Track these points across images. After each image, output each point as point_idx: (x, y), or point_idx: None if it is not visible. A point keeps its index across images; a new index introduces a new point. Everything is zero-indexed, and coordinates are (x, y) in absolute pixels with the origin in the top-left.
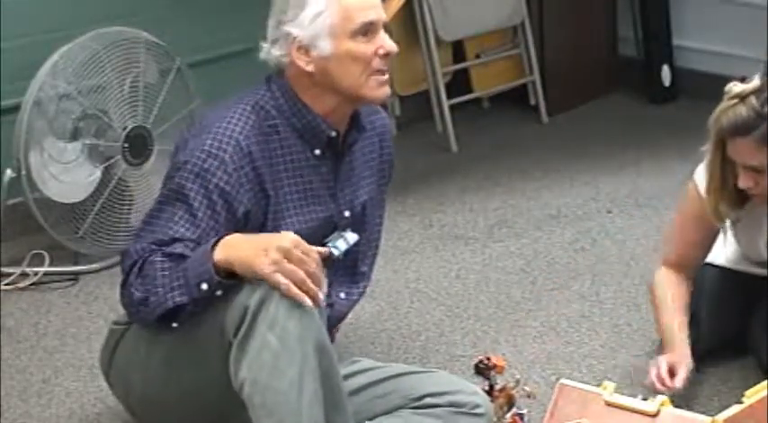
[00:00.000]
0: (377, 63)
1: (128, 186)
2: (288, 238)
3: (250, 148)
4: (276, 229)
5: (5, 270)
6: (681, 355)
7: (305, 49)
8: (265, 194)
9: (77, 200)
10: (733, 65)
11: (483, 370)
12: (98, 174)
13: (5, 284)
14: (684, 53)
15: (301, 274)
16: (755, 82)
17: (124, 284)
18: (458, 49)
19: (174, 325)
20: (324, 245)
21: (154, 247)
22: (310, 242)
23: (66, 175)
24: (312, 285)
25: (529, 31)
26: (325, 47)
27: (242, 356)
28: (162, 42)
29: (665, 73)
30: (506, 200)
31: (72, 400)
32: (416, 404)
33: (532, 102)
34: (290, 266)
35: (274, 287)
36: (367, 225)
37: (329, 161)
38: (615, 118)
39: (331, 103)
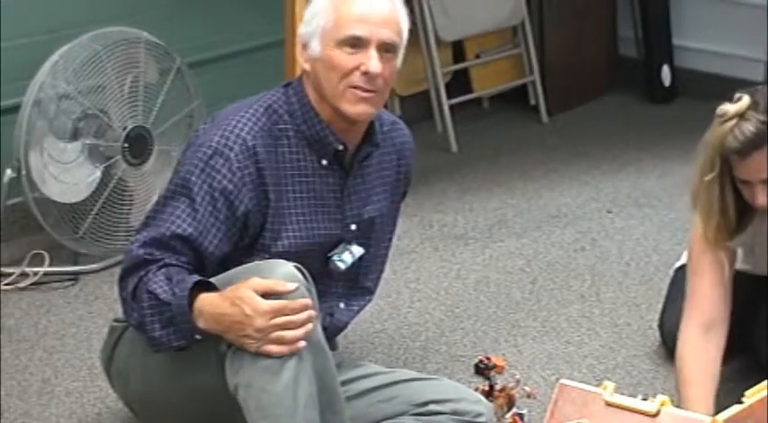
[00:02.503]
0: (356, 78)
1: (128, 186)
2: (260, 313)
3: (256, 149)
4: (276, 235)
5: (5, 270)
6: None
7: (303, 46)
8: (266, 197)
9: (77, 200)
10: (733, 65)
11: (483, 370)
12: (98, 174)
13: (5, 284)
14: (684, 53)
15: (289, 335)
16: (746, 99)
17: (120, 283)
18: (458, 49)
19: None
20: (329, 258)
21: (147, 257)
22: (315, 253)
23: (66, 175)
24: (302, 331)
25: (529, 31)
26: (315, 48)
27: (237, 359)
28: (162, 42)
29: (665, 73)
30: (506, 200)
31: (72, 400)
32: (419, 410)
33: (532, 102)
34: (275, 335)
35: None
36: (373, 240)
37: (337, 173)
38: (615, 118)
39: (329, 112)
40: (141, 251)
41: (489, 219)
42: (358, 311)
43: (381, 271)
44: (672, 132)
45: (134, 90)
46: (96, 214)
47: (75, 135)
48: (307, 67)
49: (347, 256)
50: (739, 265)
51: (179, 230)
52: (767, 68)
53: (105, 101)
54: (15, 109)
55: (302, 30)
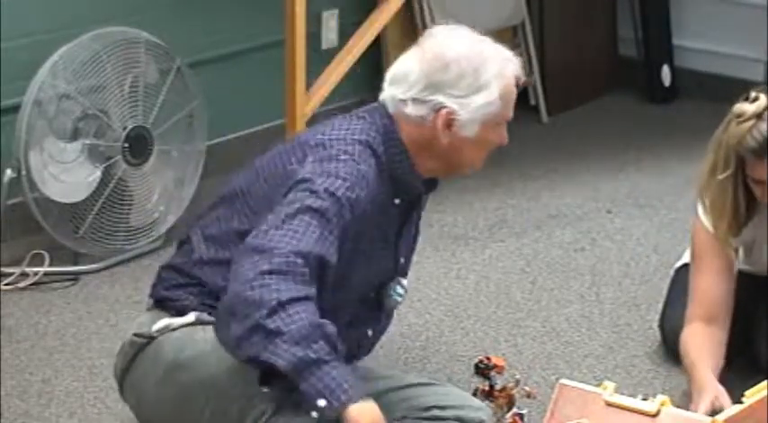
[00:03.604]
0: (491, 149)
1: (128, 186)
2: None
3: (375, 195)
4: (345, 276)
5: (5, 270)
6: (715, 390)
7: (448, 123)
8: (345, 239)
9: (77, 200)
10: (733, 65)
11: (483, 370)
12: (98, 174)
13: (5, 284)
14: (684, 53)
15: None
16: (763, 99)
17: (268, 284)
18: None
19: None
20: (382, 293)
21: (299, 261)
22: (371, 289)
23: (66, 175)
24: None
25: (529, 31)
26: (472, 130)
27: None
28: (162, 42)
29: (665, 73)
30: (506, 200)
31: (72, 400)
32: (423, 415)
33: (532, 102)
34: None
35: None
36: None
37: (402, 210)
38: (615, 118)
39: (433, 167)
40: (300, 260)
41: (489, 219)
42: (382, 334)
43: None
44: (672, 132)
45: (134, 90)
46: (96, 214)
47: (75, 135)
48: (445, 141)
49: (401, 290)
50: (739, 266)
51: (322, 252)
52: (767, 68)
53: (105, 101)
54: (15, 109)
55: (460, 112)
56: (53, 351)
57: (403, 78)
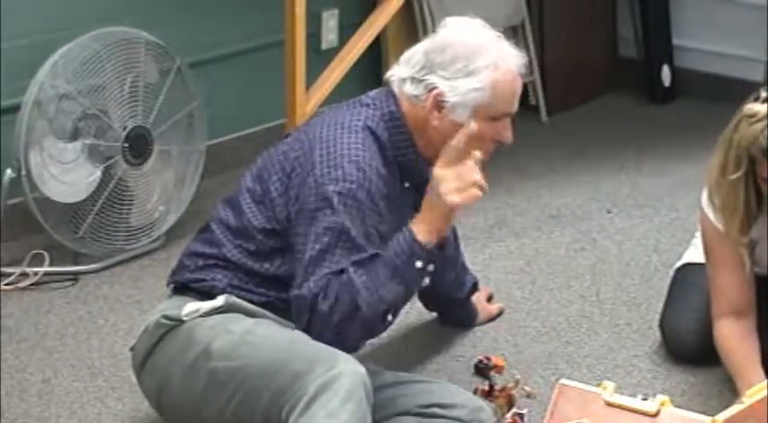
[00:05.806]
0: (488, 145)
1: (128, 186)
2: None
3: (385, 173)
4: None
5: (5, 270)
6: None
7: (442, 107)
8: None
9: (77, 200)
10: (733, 65)
11: (483, 370)
12: (98, 174)
13: (5, 284)
14: (684, 53)
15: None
16: None
17: (315, 317)
18: None
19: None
20: None
21: (331, 276)
22: None
23: (66, 175)
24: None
25: (529, 31)
26: (461, 115)
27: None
28: (162, 42)
29: (665, 73)
30: (506, 200)
31: (72, 400)
32: (424, 411)
33: (532, 102)
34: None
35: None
36: None
37: (413, 192)
38: (615, 118)
39: (431, 152)
40: (321, 281)
41: (489, 219)
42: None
43: None
44: (672, 132)
45: (134, 90)
46: (96, 214)
47: (75, 135)
48: (435, 123)
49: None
50: None
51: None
52: (767, 68)
53: (105, 101)
54: (15, 109)
55: (448, 94)
56: (53, 351)
57: (409, 59)
